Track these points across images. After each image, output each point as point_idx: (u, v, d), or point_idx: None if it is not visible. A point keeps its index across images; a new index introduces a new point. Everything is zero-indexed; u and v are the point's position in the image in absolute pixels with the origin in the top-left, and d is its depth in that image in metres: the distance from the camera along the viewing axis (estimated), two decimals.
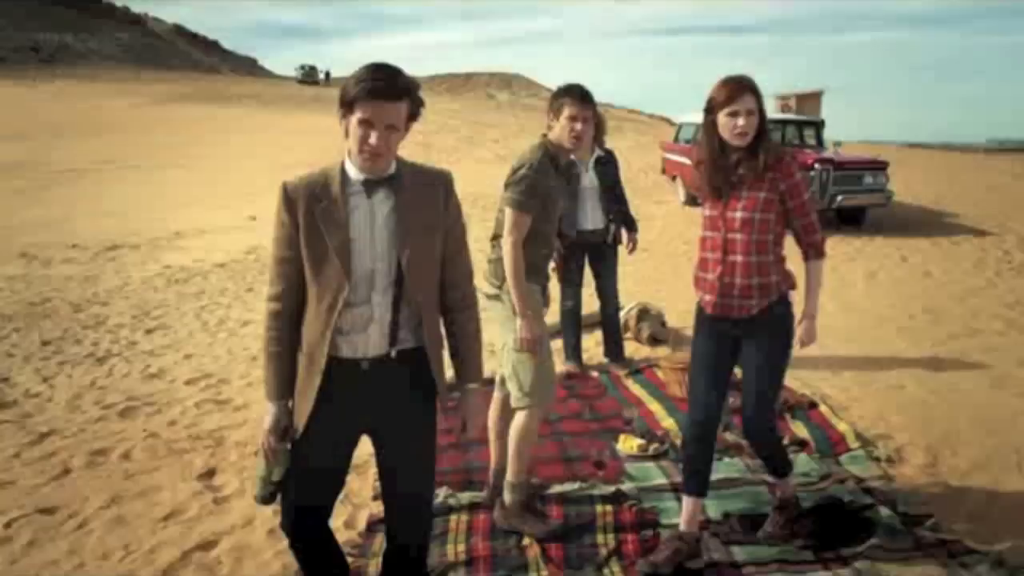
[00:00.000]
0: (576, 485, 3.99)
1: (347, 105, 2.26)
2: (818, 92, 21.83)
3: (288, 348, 2.45)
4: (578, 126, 3.56)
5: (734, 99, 3.05)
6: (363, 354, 2.39)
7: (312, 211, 2.31)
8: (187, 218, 13.49)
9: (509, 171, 3.61)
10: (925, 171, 20.46)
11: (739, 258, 3.15)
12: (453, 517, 3.72)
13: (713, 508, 3.72)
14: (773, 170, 3.10)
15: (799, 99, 20.93)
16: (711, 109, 3.13)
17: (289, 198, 2.34)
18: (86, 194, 16.91)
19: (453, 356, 2.62)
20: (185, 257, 10.58)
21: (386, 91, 2.21)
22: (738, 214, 3.13)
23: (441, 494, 3.85)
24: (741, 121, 3.05)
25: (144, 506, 3.93)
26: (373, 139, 2.23)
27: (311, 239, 2.32)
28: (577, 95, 3.57)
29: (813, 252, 3.30)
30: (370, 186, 2.34)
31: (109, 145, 25.83)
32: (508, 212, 3.55)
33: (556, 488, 3.95)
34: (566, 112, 3.55)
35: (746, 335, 3.25)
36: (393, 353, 2.41)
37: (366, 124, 2.23)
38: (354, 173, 2.35)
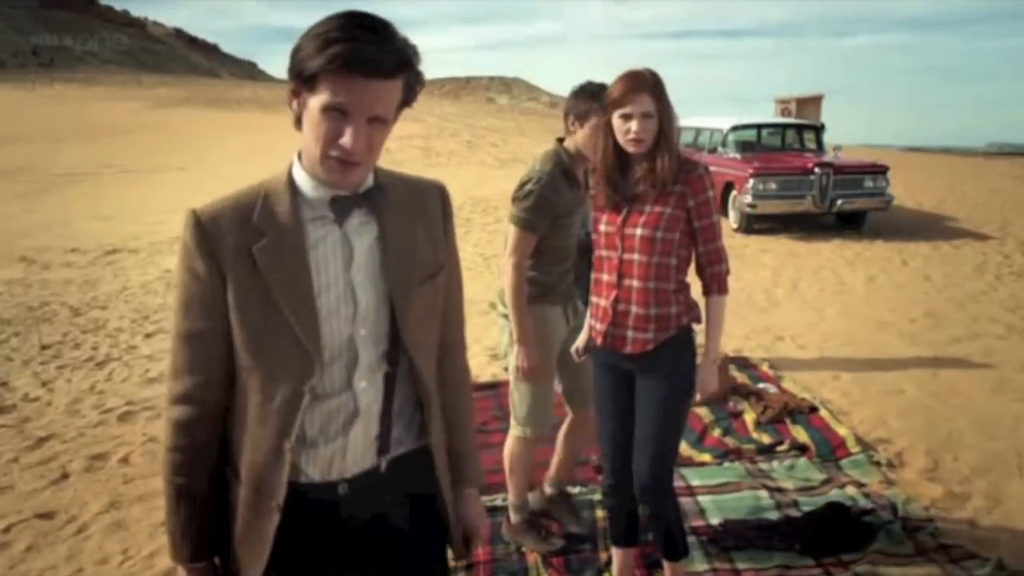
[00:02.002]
0: (577, 489, 3.98)
1: (303, 80, 1.40)
2: (818, 96, 21.82)
3: (207, 478, 1.61)
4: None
5: (628, 99, 2.58)
6: (340, 474, 1.58)
7: (247, 253, 1.47)
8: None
9: (517, 184, 3.27)
10: (926, 175, 20.47)
11: (636, 283, 2.69)
12: None
13: (713, 513, 3.72)
14: (683, 183, 2.65)
15: (799, 103, 20.92)
16: (606, 107, 2.67)
17: (206, 235, 1.47)
18: (85, 198, 16.90)
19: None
20: None
21: (374, 61, 1.36)
22: (638, 231, 2.66)
23: None
24: (634, 126, 2.58)
25: (143, 511, 3.91)
26: (348, 138, 1.40)
27: (248, 299, 1.48)
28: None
29: (716, 286, 2.77)
30: (342, 208, 1.51)
31: (108, 149, 25.84)
32: (511, 230, 3.21)
33: None
34: (594, 120, 3.11)
35: (640, 372, 2.79)
36: (384, 465, 1.62)
37: (337, 113, 1.39)
38: (312, 189, 1.51)
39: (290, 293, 1.48)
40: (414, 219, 1.63)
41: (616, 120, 2.63)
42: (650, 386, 2.77)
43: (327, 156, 1.43)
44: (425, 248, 1.63)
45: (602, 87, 3.06)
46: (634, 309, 2.70)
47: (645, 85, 2.59)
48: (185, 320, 1.53)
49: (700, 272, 2.79)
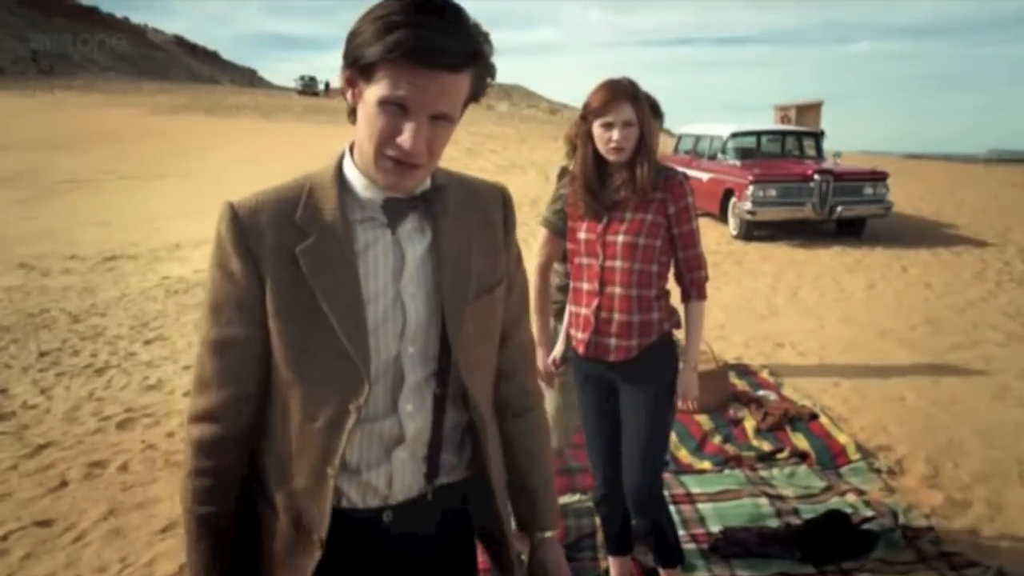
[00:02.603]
0: (576, 497, 3.97)
1: (360, 69, 1.25)
2: (818, 103, 21.89)
3: (235, 508, 1.45)
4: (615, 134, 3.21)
5: (609, 108, 2.61)
6: (384, 500, 1.43)
7: (290, 254, 1.32)
8: (186, 229, 13.46)
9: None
10: (925, 182, 20.48)
11: (618, 290, 2.69)
12: None
13: (712, 520, 3.71)
14: (663, 190, 2.67)
15: (799, 110, 20.98)
16: (585, 116, 2.71)
17: (243, 231, 1.33)
18: (85, 205, 16.91)
19: (511, 488, 1.66)
20: (184, 268, 10.56)
21: (441, 51, 1.20)
22: (619, 238, 2.67)
23: None
24: (616, 134, 2.61)
25: (142, 518, 3.90)
26: (407, 136, 1.24)
27: (290, 304, 1.33)
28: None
29: (695, 292, 2.80)
30: (395, 211, 1.36)
31: (108, 155, 25.85)
32: (540, 231, 3.20)
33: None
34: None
35: (624, 381, 2.79)
36: (430, 494, 1.47)
37: (396, 108, 1.24)
38: (364, 188, 1.36)
39: (337, 300, 1.32)
40: (472, 226, 1.47)
41: (597, 129, 2.66)
42: (634, 394, 2.77)
43: (382, 155, 1.28)
44: (482, 259, 1.46)
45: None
46: (617, 316, 2.70)
47: (625, 94, 2.62)
48: (216, 325, 1.36)
49: (679, 278, 2.81)
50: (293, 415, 1.37)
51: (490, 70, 1.31)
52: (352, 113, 1.33)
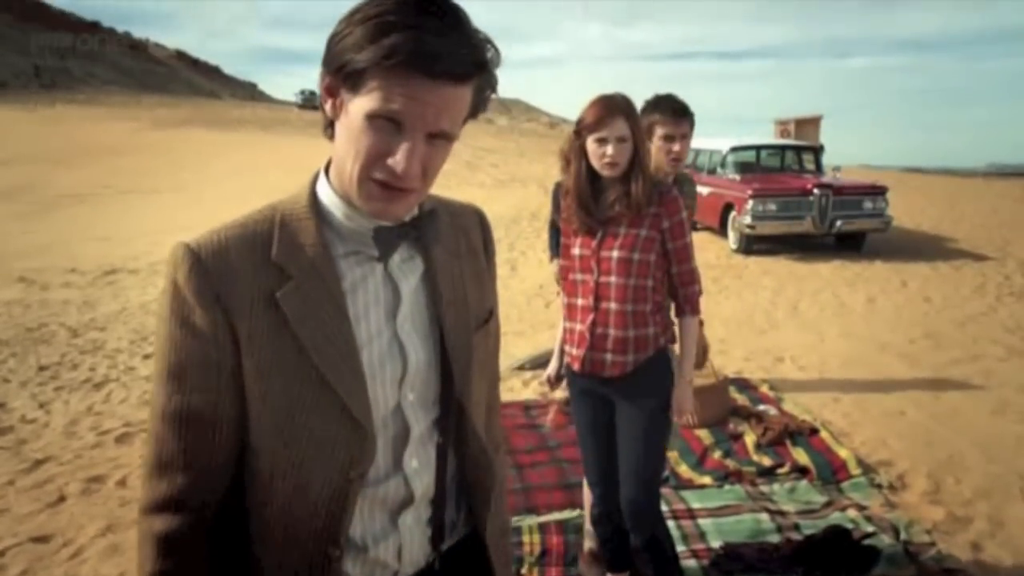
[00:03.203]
0: (576, 512, 3.95)
1: (346, 76, 1.08)
2: (817, 117, 21.94)
3: None
4: (676, 147, 3.13)
5: (603, 124, 2.61)
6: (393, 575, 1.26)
7: (269, 301, 1.13)
8: None
9: None
10: (925, 196, 20.51)
11: (613, 306, 2.69)
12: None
13: (713, 536, 3.69)
14: (657, 205, 2.68)
15: (798, 124, 21.04)
16: (579, 132, 2.71)
17: (209, 277, 1.12)
18: (85, 218, 16.92)
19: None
20: None
21: (445, 58, 1.04)
22: (614, 254, 2.68)
23: None
24: (610, 150, 2.61)
25: None
26: (400, 157, 1.08)
27: (274, 360, 1.13)
28: (669, 110, 3.12)
29: (689, 307, 2.80)
30: (386, 241, 1.19)
31: (108, 169, 25.89)
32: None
33: (556, 515, 3.92)
34: (659, 132, 3.13)
35: (619, 397, 2.79)
36: (437, 562, 1.31)
37: (387, 124, 1.07)
38: (346, 216, 1.19)
39: (328, 350, 1.13)
40: (459, 252, 1.33)
41: (591, 144, 2.66)
42: (630, 410, 2.77)
43: (368, 178, 1.10)
44: (474, 287, 1.33)
45: (658, 101, 3.12)
46: (612, 332, 2.70)
47: (619, 109, 2.62)
48: (178, 393, 1.13)
49: (673, 293, 2.82)
50: (280, 492, 1.17)
51: (493, 82, 1.15)
52: (330, 127, 1.16)
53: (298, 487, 1.16)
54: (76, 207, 18.76)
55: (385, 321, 1.21)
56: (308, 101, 70.51)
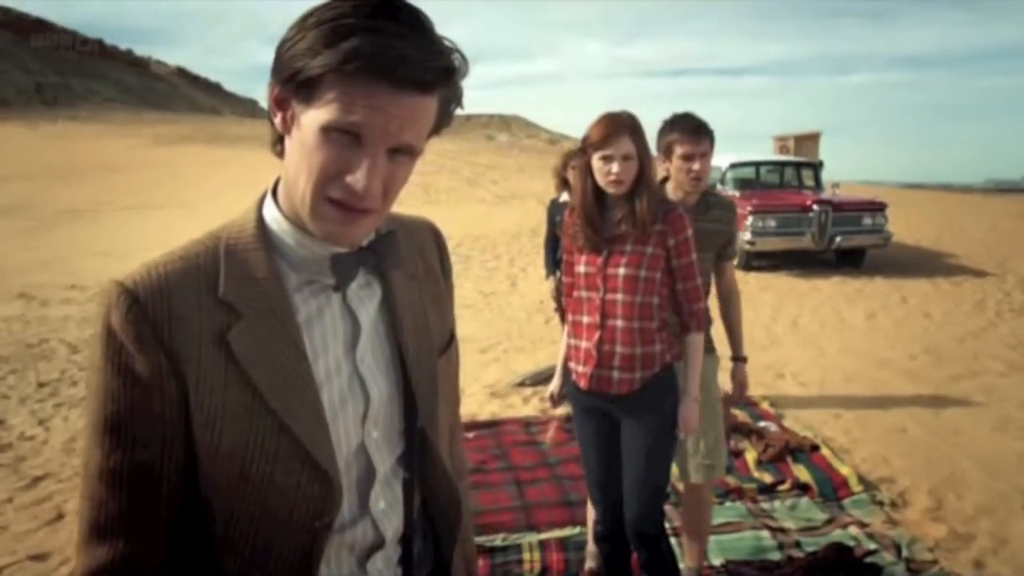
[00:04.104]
0: (577, 530, 3.93)
1: (297, 85, 0.97)
2: (816, 133, 21.99)
3: None
4: (696, 165, 3.04)
5: (609, 141, 2.61)
6: None
7: (218, 343, 1.01)
8: None
9: None
10: (924, 212, 20.54)
11: (620, 323, 2.68)
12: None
13: (714, 553, 3.67)
14: (663, 222, 2.67)
15: (797, 140, 21.07)
16: (585, 149, 2.70)
17: (149, 320, 0.99)
18: (86, 234, 16.95)
19: None
20: None
21: (410, 64, 0.94)
22: (620, 271, 2.68)
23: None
24: (615, 168, 2.60)
25: None
26: (361, 174, 0.97)
27: (226, 408, 1.01)
28: (688, 128, 3.04)
29: (694, 323, 2.78)
30: (344, 268, 1.08)
31: (109, 186, 25.95)
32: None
33: (556, 533, 3.90)
34: (678, 151, 3.04)
35: (624, 414, 2.77)
36: None
37: (345, 137, 0.97)
38: (298, 243, 1.07)
39: (286, 392, 1.02)
40: (416, 275, 1.22)
41: (597, 162, 2.65)
42: (635, 427, 2.75)
43: (323, 198, 0.99)
44: (433, 311, 1.23)
45: (676, 119, 3.08)
46: (619, 349, 2.69)
47: (624, 127, 2.62)
48: (116, 450, 1.00)
49: (678, 310, 2.80)
50: (239, 549, 1.05)
51: (459, 95, 1.05)
52: (279, 143, 1.05)
53: (259, 543, 1.05)
54: (76, 223, 18.80)
55: (344, 355, 1.10)
56: None
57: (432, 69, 0.96)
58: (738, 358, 3.50)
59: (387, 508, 1.15)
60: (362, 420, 1.11)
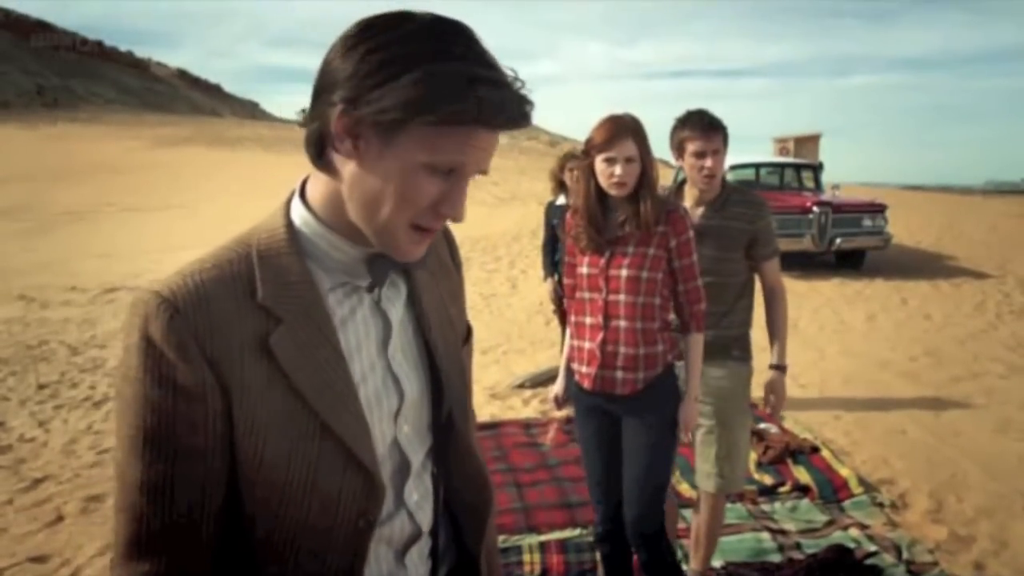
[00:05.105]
0: (577, 532, 3.93)
1: (387, 125, 0.97)
2: (816, 135, 21.96)
3: None
4: (707, 162, 3.02)
5: (611, 144, 2.63)
6: None
7: (261, 348, 1.02)
8: (187, 260, 13.41)
9: None
10: (924, 213, 20.54)
11: (623, 323, 2.70)
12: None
13: (715, 555, 3.67)
14: (664, 224, 2.69)
15: (797, 142, 21.04)
16: (588, 151, 2.71)
17: (192, 329, 0.99)
18: (85, 236, 16.95)
19: None
20: None
21: (510, 112, 0.99)
22: (623, 272, 2.70)
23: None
24: (618, 170, 2.63)
25: None
26: (459, 203, 1.05)
27: (267, 412, 1.02)
28: (699, 125, 3.02)
29: (695, 324, 2.80)
30: (378, 269, 1.11)
31: (109, 187, 25.96)
32: None
33: (557, 534, 3.90)
34: (690, 148, 3.03)
35: (627, 414, 2.78)
36: None
37: (443, 172, 1.01)
38: (333, 246, 1.09)
39: (327, 394, 1.04)
40: (434, 270, 1.26)
41: (599, 164, 2.67)
42: (637, 427, 2.76)
43: (410, 225, 1.03)
44: (452, 305, 1.28)
45: (688, 116, 3.07)
46: (622, 350, 2.70)
47: (627, 130, 2.64)
48: (158, 462, 0.99)
49: (679, 311, 2.81)
50: (285, 554, 1.06)
51: None
52: (319, 161, 1.05)
53: (305, 546, 1.06)
54: (76, 225, 18.80)
55: (377, 354, 1.13)
56: None
57: (522, 112, 1.00)
58: (775, 366, 3.43)
59: (420, 500, 1.18)
60: (395, 416, 1.14)
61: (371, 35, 0.98)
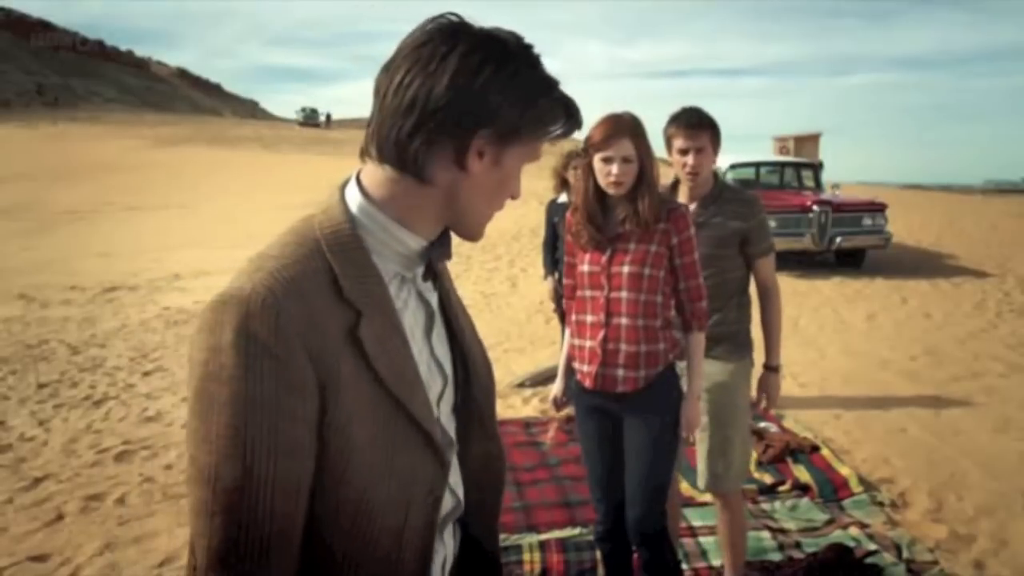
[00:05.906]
0: (577, 531, 3.93)
1: (508, 136, 1.10)
2: (816, 134, 21.97)
3: None
4: (689, 159, 3.03)
5: (609, 143, 2.62)
6: None
7: (351, 341, 1.05)
8: (186, 259, 13.49)
9: None
10: (924, 213, 20.56)
11: (624, 321, 2.69)
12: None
13: (715, 555, 3.67)
14: (666, 221, 2.69)
15: (797, 141, 21.06)
16: (587, 150, 2.71)
17: (292, 325, 1.00)
18: (86, 235, 16.95)
19: None
20: (184, 299, 10.55)
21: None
22: (625, 269, 2.69)
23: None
24: (615, 169, 2.62)
25: (138, 553, 3.86)
26: (519, 187, 1.20)
27: (358, 401, 1.05)
28: (683, 122, 3.04)
29: (696, 322, 2.79)
30: (434, 258, 1.19)
31: (109, 186, 25.97)
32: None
33: (557, 533, 3.90)
34: (675, 145, 3.06)
35: (628, 413, 2.77)
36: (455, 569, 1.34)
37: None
38: (396, 239, 1.13)
39: (403, 381, 1.09)
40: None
41: (597, 163, 2.67)
42: (638, 425, 2.75)
43: (490, 215, 1.18)
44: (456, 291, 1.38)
45: (676, 114, 3.07)
46: (624, 347, 2.69)
47: (625, 129, 2.63)
48: (261, 462, 0.98)
49: (680, 309, 2.80)
50: (363, 541, 1.08)
51: None
52: (422, 175, 1.10)
53: (386, 531, 1.09)
54: (76, 224, 18.80)
55: (423, 339, 1.19)
56: (309, 119, 71.21)
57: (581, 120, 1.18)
58: (768, 367, 3.46)
59: (456, 478, 1.27)
60: (439, 399, 1.21)
61: (489, 62, 1.06)
